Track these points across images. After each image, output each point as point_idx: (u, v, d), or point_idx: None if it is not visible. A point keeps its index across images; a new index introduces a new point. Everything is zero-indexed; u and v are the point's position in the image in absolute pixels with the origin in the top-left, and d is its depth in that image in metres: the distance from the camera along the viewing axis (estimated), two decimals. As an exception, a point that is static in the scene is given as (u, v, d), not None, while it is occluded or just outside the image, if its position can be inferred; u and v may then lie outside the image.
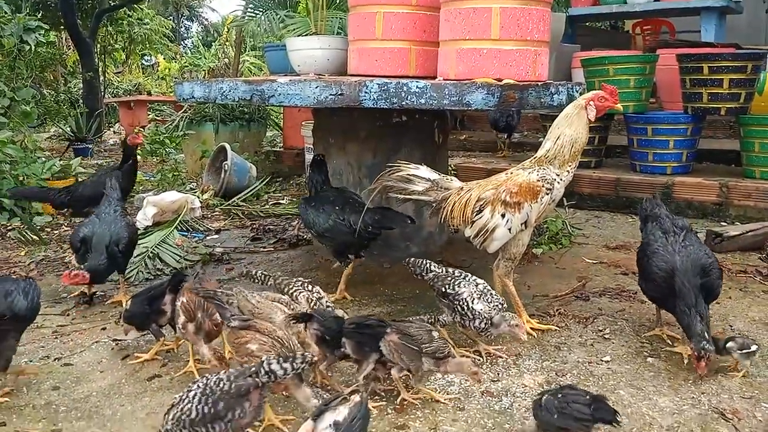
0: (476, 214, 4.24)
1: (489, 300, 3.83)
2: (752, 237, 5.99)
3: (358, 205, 4.98)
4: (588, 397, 2.89)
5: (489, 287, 3.95)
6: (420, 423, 3.31)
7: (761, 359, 3.79)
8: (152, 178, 10.54)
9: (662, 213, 4.18)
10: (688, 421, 3.23)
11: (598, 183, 8.11)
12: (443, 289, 3.92)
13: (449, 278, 3.97)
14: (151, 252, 6.10)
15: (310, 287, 3.91)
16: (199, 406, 2.64)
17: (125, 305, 4.34)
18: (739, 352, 3.54)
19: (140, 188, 9.67)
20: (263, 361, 2.83)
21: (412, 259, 4.26)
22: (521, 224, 4.22)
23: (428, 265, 4.14)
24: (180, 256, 6.12)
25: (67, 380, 3.81)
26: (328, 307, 3.78)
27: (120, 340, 4.29)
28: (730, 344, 3.57)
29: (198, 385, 2.73)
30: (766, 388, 3.50)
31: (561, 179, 4.25)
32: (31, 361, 4.02)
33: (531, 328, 4.30)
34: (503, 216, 4.18)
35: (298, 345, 3.36)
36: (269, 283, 4.09)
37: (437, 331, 3.57)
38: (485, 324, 3.77)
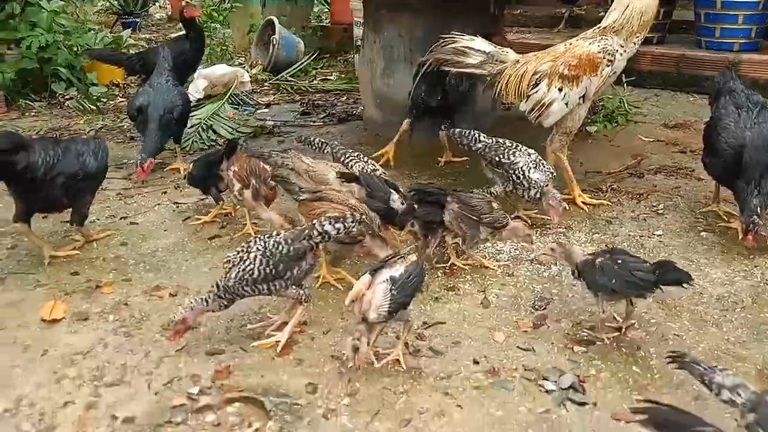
0: (532, 88, 4.11)
1: (543, 170, 3.81)
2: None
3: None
4: (647, 264, 2.81)
5: (541, 158, 3.92)
6: (469, 285, 3.42)
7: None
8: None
9: (737, 87, 3.96)
10: (740, 292, 3.25)
11: (660, 59, 7.69)
12: (497, 159, 3.89)
13: (502, 148, 3.94)
14: (205, 123, 6.20)
15: (365, 159, 3.93)
16: (260, 267, 2.77)
17: (182, 172, 4.48)
18: None
19: (189, 63, 9.66)
20: (315, 223, 2.91)
21: (458, 129, 4.20)
22: (579, 98, 4.07)
23: (476, 135, 4.08)
24: (232, 128, 6.20)
25: (134, 237, 4.03)
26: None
27: (180, 203, 4.47)
28: None
29: (258, 248, 2.82)
30: (823, 263, 3.47)
31: (625, 51, 4.05)
32: (98, 220, 4.26)
33: (582, 202, 4.29)
34: (560, 90, 4.04)
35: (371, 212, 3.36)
36: (326, 150, 4.09)
37: (497, 202, 3.61)
38: (539, 194, 3.77)
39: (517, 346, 2.87)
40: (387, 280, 2.60)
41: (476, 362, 2.77)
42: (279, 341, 2.87)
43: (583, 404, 2.49)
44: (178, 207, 4.46)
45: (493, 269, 3.56)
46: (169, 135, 5.03)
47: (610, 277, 2.78)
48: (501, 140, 4.03)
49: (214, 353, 2.84)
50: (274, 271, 2.80)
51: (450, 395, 2.56)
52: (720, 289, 3.28)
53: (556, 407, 2.49)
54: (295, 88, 8.17)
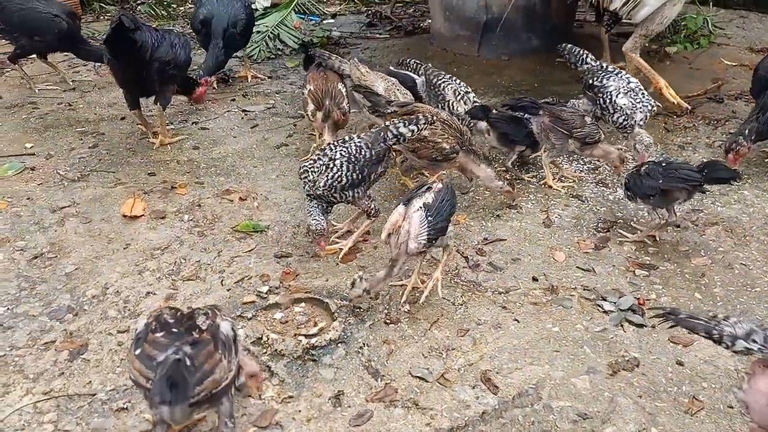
0: None
1: (635, 98, 3.64)
2: None
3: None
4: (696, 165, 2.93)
5: (642, 87, 3.73)
6: (532, 205, 3.41)
7: None
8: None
9: None
10: (815, 224, 3.15)
11: (752, -23, 7.13)
12: (590, 81, 3.74)
13: (600, 72, 3.74)
14: (271, 33, 6.17)
15: (458, 81, 3.83)
16: (348, 174, 2.81)
17: (250, 79, 4.47)
18: None
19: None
20: (389, 125, 2.93)
21: (569, 45, 3.98)
22: None
23: (584, 56, 3.90)
24: (298, 38, 6.16)
25: (205, 142, 4.16)
26: (474, 102, 3.72)
27: (248, 111, 4.56)
28: None
29: (341, 154, 2.84)
30: None
31: None
32: (171, 124, 4.39)
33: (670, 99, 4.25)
34: None
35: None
36: (420, 72, 4.01)
37: (589, 116, 3.53)
38: (625, 120, 3.62)
39: (577, 266, 2.89)
40: (421, 207, 2.53)
41: (535, 279, 2.81)
42: (342, 248, 2.98)
43: (641, 326, 2.52)
44: (246, 114, 4.54)
45: (557, 190, 3.53)
46: (233, 50, 5.00)
47: (657, 178, 2.89)
48: (605, 65, 3.86)
49: (282, 256, 2.97)
50: (360, 176, 2.85)
51: (507, 309, 2.63)
52: (794, 222, 3.17)
53: (613, 327, 2.53)
54: (362, -2, 7.98)
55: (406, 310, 2.62)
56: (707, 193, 3.20)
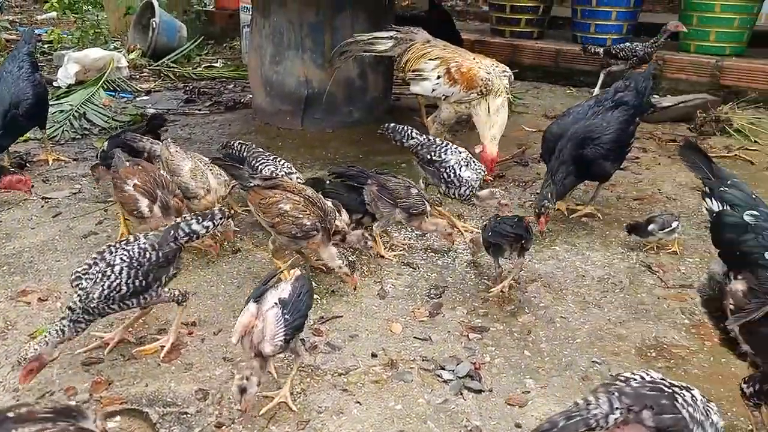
0: (427, 61, 4.64)
1: (474, 168, 3.82)
2: (683, 108, 6.15)
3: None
4: (516, 219, 3.23)
5: (471, 156, 3.93)
6: (366, 277, 3.36)
7: (686, 220, 3.99)
8: (71, 36, 9.69)
9: (618, 85, 4.06)
10: (618, 273, 3.43)
11: (539, 54, 8.04)
12: (428, 157, 3.85)
13: (434, 146, 3.89)
14: (77, 111, 5.73)
15: (279, 161, 3.76)
16: (129, 281, 2.47)
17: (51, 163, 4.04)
18: (661, 231, 3.55)
19: (59, 46, 8.92)
20: (180, 223, 2.66)
21: (392, 124, 4.09)
22: (443, 95, 4.63)
23: (409, 131, 4.02)
24: (108, 116, 5.78)
25: (-4, 237, 3.65)
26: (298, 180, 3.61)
27: (50, 198, 4.09)
28: (651, 227, 3.57)
29: (122, 258, 2.50)
30: (691, 245, 3.74)
31: (470, 98, 4.56)
32: (-47, 219, 3.81)
33: None
34: (438, 77, 4.59)
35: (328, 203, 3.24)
36: (243, 153, 3.88)
37: (416, 188, 3.58)
38: (470, 191, 3.77)
39: (415, 337, 2.87)
40: (276, 303, 2.32)
41: (374, 355, 2.73)
42: (163, 346, 2.69)
43: (479, 392, 2.53)
44: (47, 202, 4.08)
45: (389, 259, 3.54)
46: (17, 133, 4.53)
47: (488, 230, 3.20)
48: (432, 138, 4.01)
49: (90, 363, 2.61)
50: (144, 282, 2.52)
51: (348, 391, 2.51)
52: (600, 272, 3.45)
53: (453, 396, 2.50)
54: (177, 74, 7.76)
55: (239, 408, 2.39)
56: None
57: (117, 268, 2.47)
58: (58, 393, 2.44)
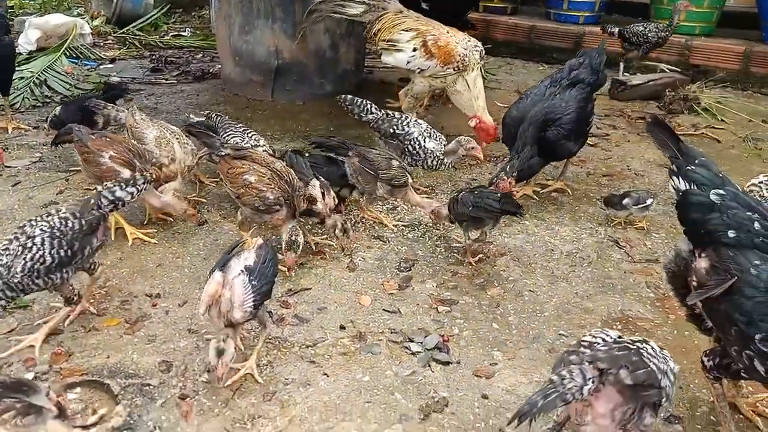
0: (401, 32, 4.52)
1: (437, 138, 3.79)
2: (653, 86, 6.21)
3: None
4: (498, 194, 3.19)
5: (431, 126, 3.90)
6: (336, 250, 3.34)
7: (653, 196, 4.02)
8: (33, 1, 9.35)
9: (571, 63, 4.06)
10: (586, 248, 3.46)
11: (513, 30, 8.02)
12: (390, 131, 3.80)
13: (395, 120, 3.85)
14: (38, 78, 5.53)
15: (249, 133, 3.68)
16: (53, 251, 2.37)
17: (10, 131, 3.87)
18: (635, 207, 3.60)
19: (20, 11, 8.60)
20: (103, 190, 2.60)
21: (349, 96, 4.03)
22: (418, 68, 4.53)
23: (368, 106, 3.97)
24: (70, 84, 5.60)
25: (-49, 206, 3.52)
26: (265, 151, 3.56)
27: (10, 167, 3.96)
28: (626, 200, 3.61)
29: (42, 229, 2.39)
30: (657, 221, 3.78)
31: (445, 72, 4.49)
32: None
33: None
34: (414, 50, 4.45)
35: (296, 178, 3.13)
36: (217, 122, 3.83)
37: (397, 160, 3.54)
38: (437, 162, 3.75)
39: (384, 309, 2.85)
40: (242, 271, 2.30)
41: (343, 327, 2.71)
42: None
43: (447, 363, 2.53)
44: (6, 170, 3.94)
45: (391, 228, 3.55)
46: None
47: (468, 204, 3.12)
48: (391, 113, 3.96)
49: (50, 334, 2.53)
50: (69, 252, 2.42)
51: (316, 363, 2.49)
52: (569, 246, 3.47)
53: (421, 368, 2.50)
54: (143, 43, 7.55)
55: (203, 380, 2.35)
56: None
57: (38, 239, 2.36)
58: (17, 364, 2.37)
